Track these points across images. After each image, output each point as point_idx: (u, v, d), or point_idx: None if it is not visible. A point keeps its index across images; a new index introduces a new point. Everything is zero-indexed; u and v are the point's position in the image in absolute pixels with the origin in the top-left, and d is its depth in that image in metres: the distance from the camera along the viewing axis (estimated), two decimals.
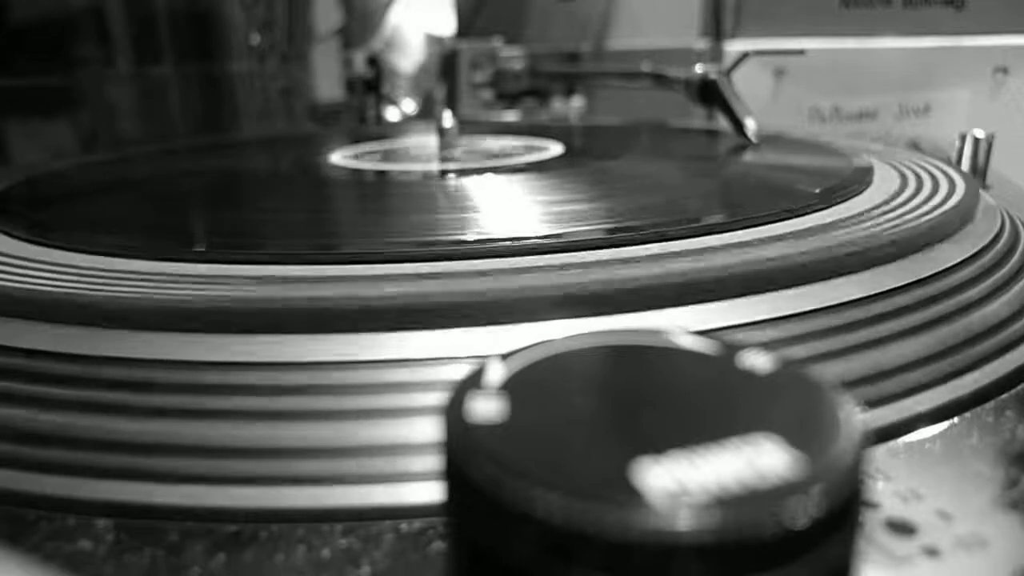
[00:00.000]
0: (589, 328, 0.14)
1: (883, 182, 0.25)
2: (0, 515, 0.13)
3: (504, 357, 0.10)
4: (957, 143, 0.32)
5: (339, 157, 0.36)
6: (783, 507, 0.07)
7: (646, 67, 0.47)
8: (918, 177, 0.26)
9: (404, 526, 0.12)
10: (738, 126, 0.37)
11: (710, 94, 0.40)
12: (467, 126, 0.43)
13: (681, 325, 0.16)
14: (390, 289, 0.16)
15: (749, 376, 0.10)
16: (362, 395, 0.14)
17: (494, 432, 0.09)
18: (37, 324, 0.16)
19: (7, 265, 0.19)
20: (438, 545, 0.12)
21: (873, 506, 0.12)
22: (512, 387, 0.10)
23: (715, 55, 0.49)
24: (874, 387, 0.15)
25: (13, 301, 0.17)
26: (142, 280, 0.17)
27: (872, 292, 0.17)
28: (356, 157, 0.36)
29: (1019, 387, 0.16)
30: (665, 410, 0.09)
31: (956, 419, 0.15)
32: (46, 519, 0.13)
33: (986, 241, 0.21)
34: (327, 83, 0.73)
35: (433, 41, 0.80)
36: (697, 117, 0.46)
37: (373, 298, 0.16)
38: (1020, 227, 0.23)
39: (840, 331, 0.16)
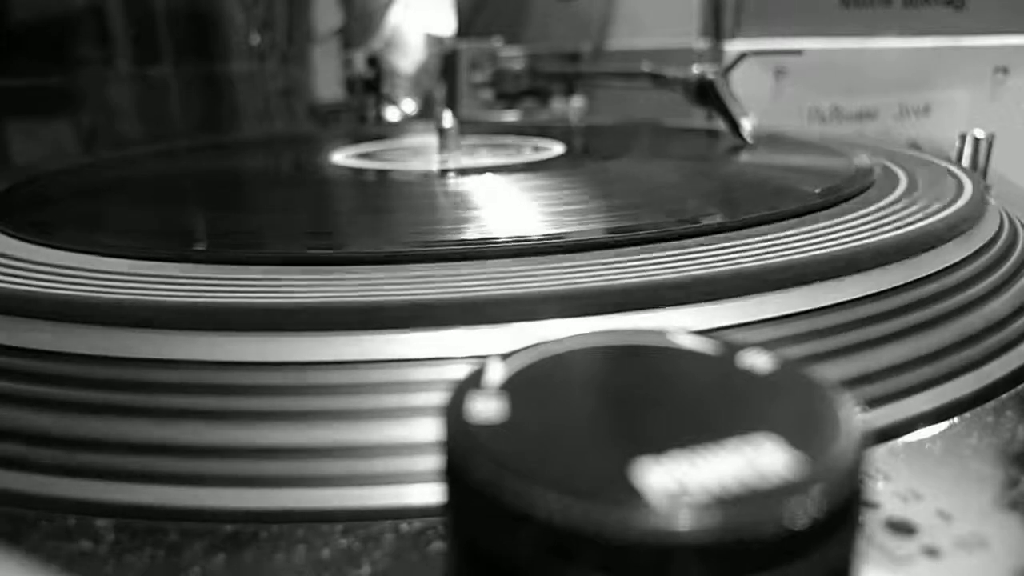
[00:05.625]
0: (589, 328, 0.14)
1: (884, 182, 0.25)
2: (0, 515, 0.13)
3: (504, 357, 0.10)
4: (957, 143, 0.32)
5: (339, 157, 0.36)
6: (783, 507, 0.07)
7: (646, 67, 0.47)
8: (920, 178, 0.26)
9: (404, 526, 0.12)
10: (734, 126, 0.37)
11: (707, 94, 0.40)
12: (467, 126, 0.43)
13: (681, 325, 0.16)
14: (390, 289, 0.16)
15: (749, 376, 0.10)
16: (362, 395, 0.14)
17: (494, 432, 0.09)
18: (37, 324, 0.16)
19: (7, 265, 0.19)
20: (438, 545, 0.12)
21: (873, 506, 0.12)
22: (512, 387, 0.10)
23: (715, 55, 0.49)
24: (874, 387, 0.15)
25: (14, 301, 0.17)
26: (142, 280, 0.17)
27: (872, 292, 0.17)
28: (356, 157, 0.36)
29: (1019, 387, 0.16)
30: (665, 410, 0.09)
31: (956, 419, 0.15)
32: (46, 519, 0.13)
33: (986, 241, 0.21)
34: (327, 83, 0.73)
35: (433, 41, 0.80)
36: (698, 117, 0.46)
37: (373, 298, 0.16)
38: (1020, 227, 0.23)
39: (840, 331, 0.16)
